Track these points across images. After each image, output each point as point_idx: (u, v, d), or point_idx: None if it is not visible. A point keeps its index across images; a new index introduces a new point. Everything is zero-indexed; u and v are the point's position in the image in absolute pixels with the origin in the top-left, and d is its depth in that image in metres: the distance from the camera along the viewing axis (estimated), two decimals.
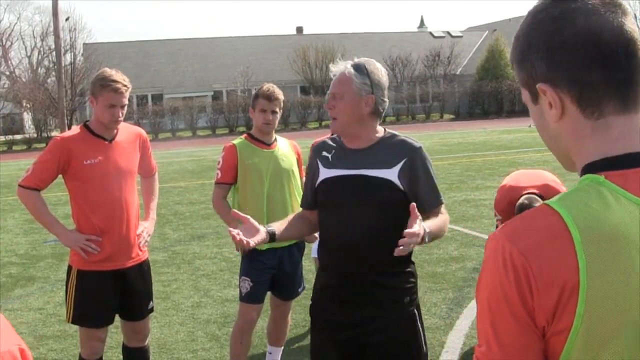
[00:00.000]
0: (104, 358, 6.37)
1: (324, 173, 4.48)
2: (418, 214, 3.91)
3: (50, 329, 9.05)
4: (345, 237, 4.35)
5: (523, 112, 64.23)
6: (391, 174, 4.25)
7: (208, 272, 11.53)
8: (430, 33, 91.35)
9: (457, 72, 78.59)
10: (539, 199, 7.01)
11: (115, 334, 7.91)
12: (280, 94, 6.65)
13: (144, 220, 6.24)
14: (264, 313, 7.73)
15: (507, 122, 59.39)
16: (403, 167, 4.26)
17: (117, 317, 6.19)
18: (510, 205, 7.09)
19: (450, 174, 23.91)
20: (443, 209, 4.42)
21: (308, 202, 4.66)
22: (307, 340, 8.22)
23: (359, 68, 4.27)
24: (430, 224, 4.09)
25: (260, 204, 6.52)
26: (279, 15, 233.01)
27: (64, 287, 6.11)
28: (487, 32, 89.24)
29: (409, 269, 4.48)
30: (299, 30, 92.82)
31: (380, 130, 4.42)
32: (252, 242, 4.03)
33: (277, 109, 6.60)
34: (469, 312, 8.93)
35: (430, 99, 75.18)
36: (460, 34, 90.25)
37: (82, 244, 5.74)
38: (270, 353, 7.08)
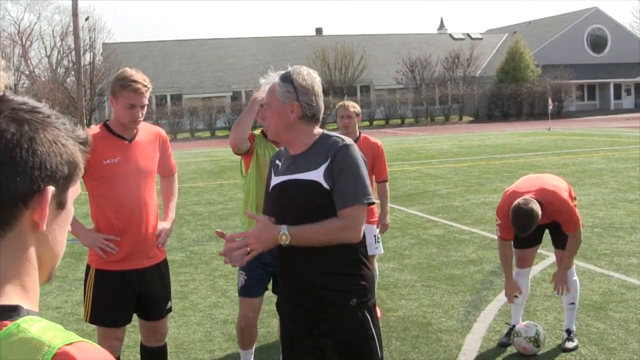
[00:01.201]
0: (121, 357, 6.39)
1: (273, 181, 4.59)
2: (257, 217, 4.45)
3: (69, 328, 9.00)
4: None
5: (542, 115, 64.13)
6: (317, 175, 4.30)
7: (225, 272, 11.53)
8: (450, 35, 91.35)
9: (477, 74, 78.48)
10: (534, 200, 7.08)
11: (133, 333, 7.93)
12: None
13: (163, 220, 6.24)
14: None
15: (527, 125, 59.25)
16: (328, 167, 4.28)
17: (135, 317, 6.21)
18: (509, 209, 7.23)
19: (468, 176, 23.86)
20: (352, 212, 4.24)
21: (266, 210, 4.71)
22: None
23: (284, 77, 4.39)
24: (300, 227, 4.17)
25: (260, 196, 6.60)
26: (299, 16, 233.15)
27: (82, 286, 6.12)
28: (506, 34, 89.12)
29: (355, 272, 4.38)
30: (319, 31, 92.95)
31: (317, 134, 4.46)
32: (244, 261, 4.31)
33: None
34: (487, 315, 8.90)
35: (450, 101, 75.17)
36: (480, 36, 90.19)
37: (101, 243, 5.75)
38: None
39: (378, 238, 8.81)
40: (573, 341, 7.75)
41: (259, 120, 4.59)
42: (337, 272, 4.33)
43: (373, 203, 4.38)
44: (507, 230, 7.55)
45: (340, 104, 8.91)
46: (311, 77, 4.42)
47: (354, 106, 8.76)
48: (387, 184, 9.02)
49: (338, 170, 4.26)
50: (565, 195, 7.48)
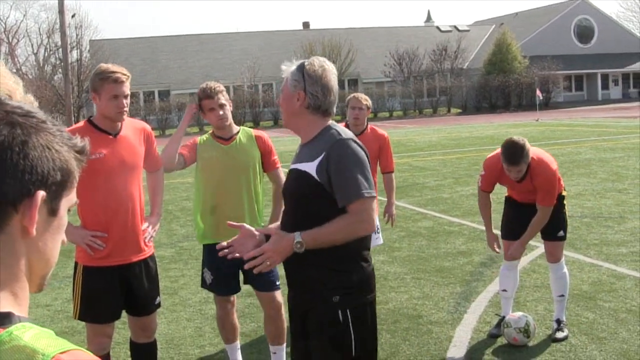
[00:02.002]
0: (111, 354, 6.38)
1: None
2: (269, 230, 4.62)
3: (58, 325, 9.05)
4: (282, 225, 4.57)
5: (530, 106, 64.31)
6: (311, 167, 4.35)
7: None
8: (437, 27, 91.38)
9: (464, 67, 78.59)
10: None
11: (123, 329, 7.92)
12: (220, 86, 6.66)
13: (150, 216, 6.23)
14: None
15: (515, 116, 59.38)
16: (322, 161, 4.31)
17: (125, 313, 6.20)
18: (498, 160, 7.46)
19: (457, 168, 23.90)
20: (359, 207, 4.26)
21: None
22: None
23: (298, 66, 4.48)
24: (312, 231, 4.22)
25: (211, 199, 6.64)
26: (286, 11, 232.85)
27: (72, 283, 6.11)
28: (494, 26, 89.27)
29: (344, 268, 4.37)
30: (306, 25, 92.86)
31: (322, 126, 4.50)
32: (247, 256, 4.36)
33: (224, 102, 6.59)
34: (477, 307, 8.92)
35: (438, 93, 75.28)
36: (467, 28, 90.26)
37: (88, 240, 5.73)
38: (275, 352, 7.03)
39: (378, 229, 8.82)
40: (563, 331, 7.77)
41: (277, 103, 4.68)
42: (321, 266, 4.34)
43: (374, 196, 4.34)
44: (489, 183, 7.85)
45: (352, 95, 8.91)
46: (323, 69, 4.45)
47: (365, 99, 8.76)
48: (393, 174, 9.14)
49: (333, 165, 4.28)
50: (553, 167, 7.57)
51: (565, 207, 7.97)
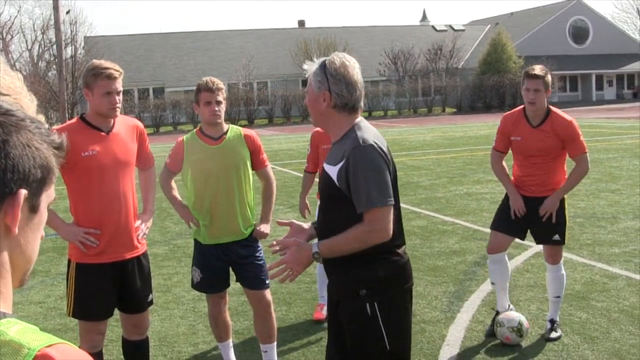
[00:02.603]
0: (104, 351, 6.38)
1: None
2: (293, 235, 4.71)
3: (51, 322, 9.05)
4: (317, 222, 4.76)
5: None
6: (334, 171, 4.40)
7: None
8: (433, 27, 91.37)
9: (459, 66, 78.61)
10: None
11: (116, 327, 7.91)
12: (222, 84, 6.67)
13: (143, 213, 6.24)
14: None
15: None
16: (342, 167, 4.35)
17: (117, 311, 6.19)
18: (515, 111, 7.90)
19: (451, 168, 23.91)
20: (372, 216, 4.30)
21: None
22: (308, 334, 8.23)
23: (321, 65, 4.49)
24: (328, 241, 4.37)
25: (203, 200, 6.63)
26: (281, 9, 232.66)
27: (65, 280, 6.11)
28: (489, 25, 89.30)
29: (371, 262, 4.42)
30: (301, 23, 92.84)
31: (349, 125, 4.50)
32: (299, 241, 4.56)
33: (222, 99, 6.61)
34: (470, 306, 8.93)
35: (432, 92, 75.29)
36: (462, 28, 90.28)
37: (81, 237, 5.73)
38: (266, 351, 7.03)
39: None
40: (556, 331, 7.78)
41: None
42: (349, 260, 4.39)
43: (389, 205, 4.33)
44: (503, 136, 7.84)
45: None
46: (345, 66, 4.46)
47: None
48: None
49: (352, 172, 4.31)
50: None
51: (566, 210, 7.90)
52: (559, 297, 7.96)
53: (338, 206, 4.42)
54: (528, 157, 7.68)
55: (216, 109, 6.52)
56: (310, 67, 4.55)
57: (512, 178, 7.93)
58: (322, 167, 4.63)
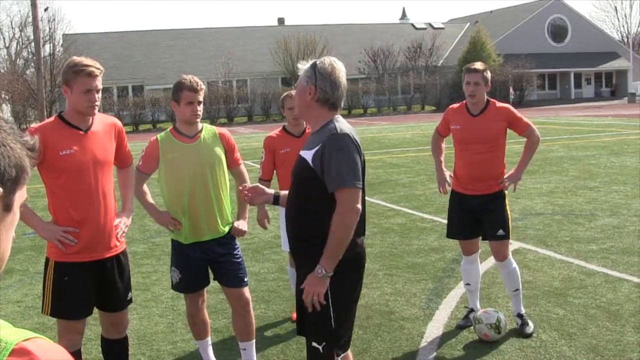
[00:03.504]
0: (83, 350, 6.37)
1: None
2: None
3: (29, 321, 9.02)
4: (287, 205, 5.25)
5: None
6: (309, 155, 4.91)
7: None
8: (412, 25, 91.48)
9: (439, 64, 78.84)
10: None
11: (95, 325, 7.90)
12: (202, 83, 6.72)
13: (122, 212, 6.22)
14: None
15: None
16: (318, 151, 4.86)
17: (96, 309, 6.18)
18: (458, 104, 8.36)
19: (430, 165, 23.85)
20: (342, 195, 4.78)
21: None
22: (286, 332, 8.24)
23: (312, 64, 5.05)
24: (324, 253, 4.81)
25: (181, 199, 6.61)
26: (261, 7, 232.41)
27: (42, 279, 6.08)
28: (468, 24, 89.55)
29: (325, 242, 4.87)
30: (281, 21, 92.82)
31: (328, 118, 5.02)
32: (256, 201, 5.54)
33: (201, 99, 6.65)
34: (449, 303, 8.96)
35: (412, 90, 75.45)
36: (442, 26, 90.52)
37: (59, 235, 5.71)
38: (244, 349, 7.03)
39: None
40: (529, 324, 7.86)
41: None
42: (308, 240, 4.99)
43: (358, 187, 4.81)
44: (445, 122, 8.30)
45: (286, 94, 8.53)
46: (332, 67, 4.99)
47: None
48: None
49: (326, 156, 4.80)
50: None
51: (507, 206, 8.06)
52: (517, 290, 8.06)
53: (310, 186, 4.90)
54: (468, 144, 7.96)
55: (198, 108, 6.54)
56: (304, 66, 5.09)
57: (453, 177, 8.30)
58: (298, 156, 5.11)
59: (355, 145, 4.89)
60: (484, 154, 7.85)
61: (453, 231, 8.24)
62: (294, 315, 8.49)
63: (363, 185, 4.91)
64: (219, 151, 6.68)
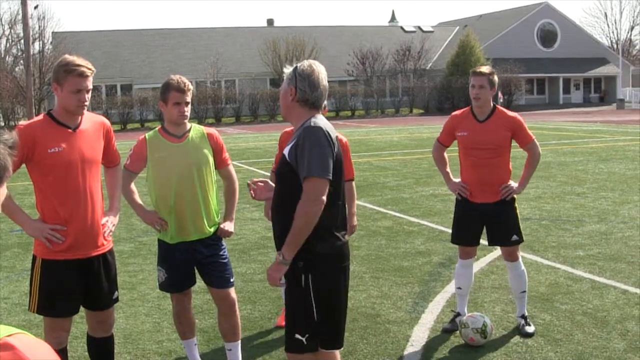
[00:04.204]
0: (68, 348, 6.35)
1: None
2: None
3: (16, 318, 8.99)
4: (272, 202, 5.36)
5: None
6: (287, 149, 5.08)
7: None
8: (402, 27, 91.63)
9: (427, 67, 78.96)
10: None
11: (81, 324, 7.88)
12: (190, 83, 6.73)
13: (109, 210, 6.21)
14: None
15: None
16: (293, 144, 5.03)
17: (83, 308, 6.16)
18: (462, 110, 8.32)
19: (418, 169, 23.98)
20: (309, 184, 4.90)
21: None
22: (273, 333, 8.23)
23: (294, 68, 5.25)
24: (285, 243, 5.00)
25: (168, 198, 6.61)
26: (250, 7, 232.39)
27: (29, 276, 6.07)
28: (457, 27, 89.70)
29: (310, 241, 5.00)
30: (270, 22, 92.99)
31: (307, 117, 5.15)
32: (262, 197, 5.66)
33: (189, 100, 6.65)
34: (435, 307, 8.96)
35: (400, 93, 75.62)
36: (431, 29, 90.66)
37: (47, 233, 5.70)
38: (230, 349, 7.03)
39: None
40: (530, 325, 7.94)
41: None
42: (285, 234, 5.03)
43: (326, 178, 4.91)
44: (448, 130, 8.22)
45: None
46: (312, 69, 5.17)
47: None
48: (354, 183, 8.15)
49: (300, 146, 4.96)
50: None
51: (517, 209, 8.08)
52: (524, 291, 8.12)
53: (288, 180, 5.06)
54: (475, 150, 7.90)
55: (185, 109, 6.54)
56: (288, 70, 5.28)
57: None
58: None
59: (328, 139, 5.00)
60: (490, 160, 7.83)
61: (459, 237, 8.22)
62: (279, 321, 8.49)
63: (339, 179, 5.08)
64: (207, 151, 6.66)
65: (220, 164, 6.83)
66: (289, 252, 4.94)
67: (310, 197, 4.86)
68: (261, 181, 5.65)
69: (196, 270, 6.83)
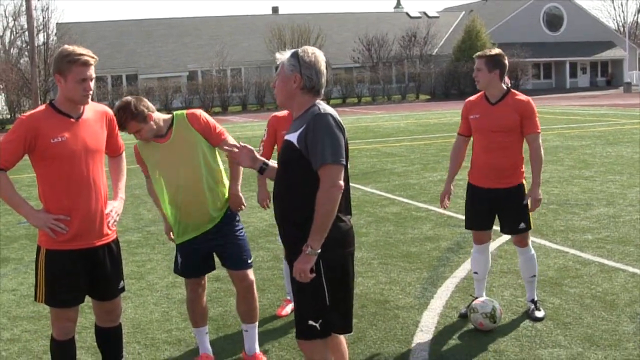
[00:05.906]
0: (77, 338, 6.34)
1: None
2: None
3: (24, 310, 8.99)
4: (273, 189, 5.37)
5: None
6: (294, 137, 5.05)
7: None
8: (407, 13, 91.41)
9: (434, 53, 78.77)
10: None
11: (90, 314, 7.87)
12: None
13: (113, 200, 6.18)
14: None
15: None
16: (302, 132, 5.01)
17: (90, 298, 6.16)
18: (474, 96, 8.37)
19: (425, 154, 23.95)
20: (325, 172, 4.91)
21: None
22: (281, 320, 8.23)
23: (293, 54, 5.19)
24: (311, 234, 4.93)
25: (173, 197, 6.61)
26: None
27: (34, 267, 6.06)
28: (463, 12, 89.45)
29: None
30: (275, 10, 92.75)
31: (310, 103, 5.17)
32: (243, 162, 5.59)
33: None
34: (444, 292, 8.94)
35: (407, 79, 75.43)
36: (436, 15, 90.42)
37: (51, 223, 5.68)
38: (247, 331, 7.03)
39: None
40: (540, 310, 7.93)
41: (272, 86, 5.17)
42: (294, 221, 5.13)
43: (341, 164, 4.95)
44: (464, 123, 8.25)
45: None
46: (315, 56, 5.19)
47: None
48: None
49: (311, 134, 4.96)
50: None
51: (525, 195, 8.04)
52: (534, 276, 8.09)
53: (295, 166, 5.06)
54: (488, 133, 7.87)
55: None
56: (282, 56, 5.23)
57: (471, 168, 8.18)
58: (283, 139, 5.23)
59: (338, 124, 5.05)
60: (502, 143, 7.78)
61: (471, 222, 8.19)
62: (279, 311, 8.49)
63: (346, 164, 5.07)
64: (195, 138, 6.52)
65: (216, 141, 6.61)
66: (316, 242, 4.91)
67: (329, 184, 4.89)
68: (245, 147, 5.57)
69: (215, 256, 6.84)
